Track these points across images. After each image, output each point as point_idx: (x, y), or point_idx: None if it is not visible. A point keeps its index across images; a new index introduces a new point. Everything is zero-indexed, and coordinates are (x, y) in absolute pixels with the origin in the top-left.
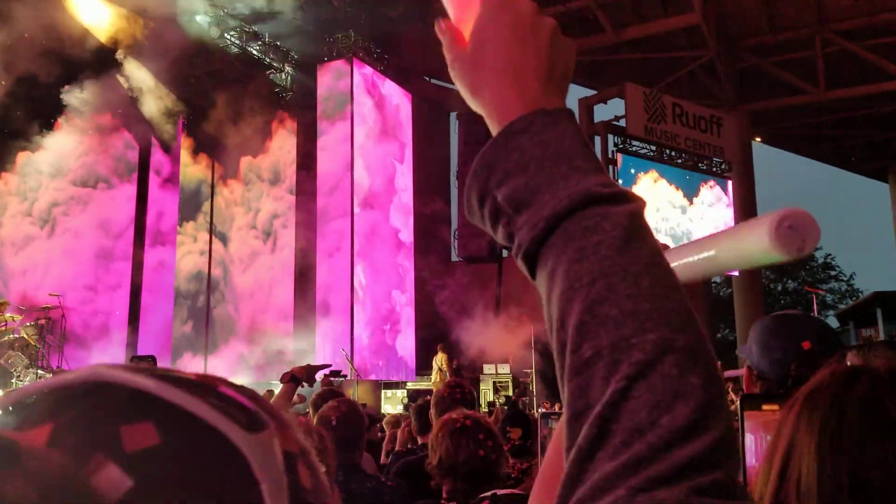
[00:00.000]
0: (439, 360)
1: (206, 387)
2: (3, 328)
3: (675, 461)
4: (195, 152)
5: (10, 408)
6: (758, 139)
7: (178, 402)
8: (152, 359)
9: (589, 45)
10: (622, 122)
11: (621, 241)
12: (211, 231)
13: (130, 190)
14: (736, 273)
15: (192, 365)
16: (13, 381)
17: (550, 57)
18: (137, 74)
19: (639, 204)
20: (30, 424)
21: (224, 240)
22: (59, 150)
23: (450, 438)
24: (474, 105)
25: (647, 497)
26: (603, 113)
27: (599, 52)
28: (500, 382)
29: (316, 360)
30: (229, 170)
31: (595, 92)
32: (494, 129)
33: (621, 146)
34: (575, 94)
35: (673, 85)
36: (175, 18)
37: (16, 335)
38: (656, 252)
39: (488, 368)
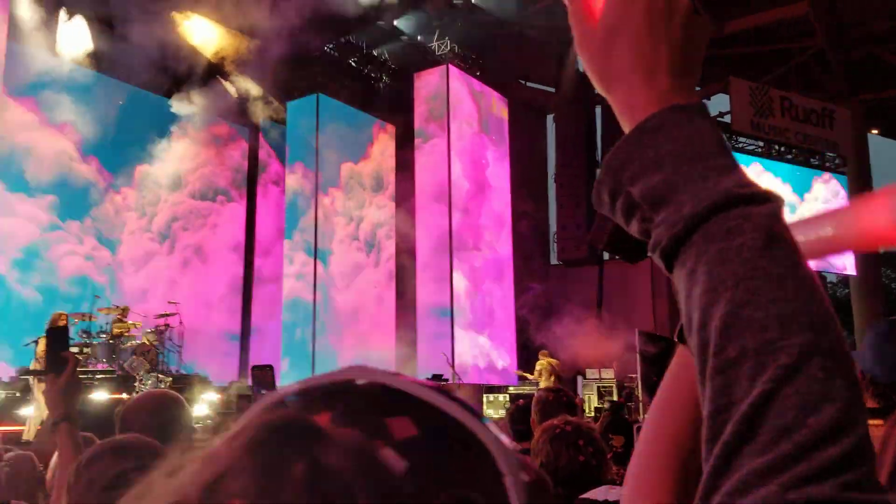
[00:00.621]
0: (543, 364)
1: (444, 390)
2: (127, 334)
3: (823, 460)
4: (291, 161)
5: (288, 399)
6: (874, 131)
7: (428, 399)
8: (270, 368)
9: None
10: (727, 119)
11: (763, 243)
12: (316, 253)
13: (243, 201)
14: (853, 272)
15: None
16: (136, 384)
17: (684, 45)
18: (243, 85)
19: (777, 203)
20: (311, 412)
21: (324, 257)
22: (176, 161)
23: (550, 444)
24: (603, 93)
25: (798, 493)
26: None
27: None
28: (604, 387)
29: (418, 366)
30: (329, 177)
31: (698, 88)
32: (625, 124)
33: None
34: None
35: (780, 78)
36: (278, 31)
37: (138, 340)
38: (797, 252)
39: (591, 373)
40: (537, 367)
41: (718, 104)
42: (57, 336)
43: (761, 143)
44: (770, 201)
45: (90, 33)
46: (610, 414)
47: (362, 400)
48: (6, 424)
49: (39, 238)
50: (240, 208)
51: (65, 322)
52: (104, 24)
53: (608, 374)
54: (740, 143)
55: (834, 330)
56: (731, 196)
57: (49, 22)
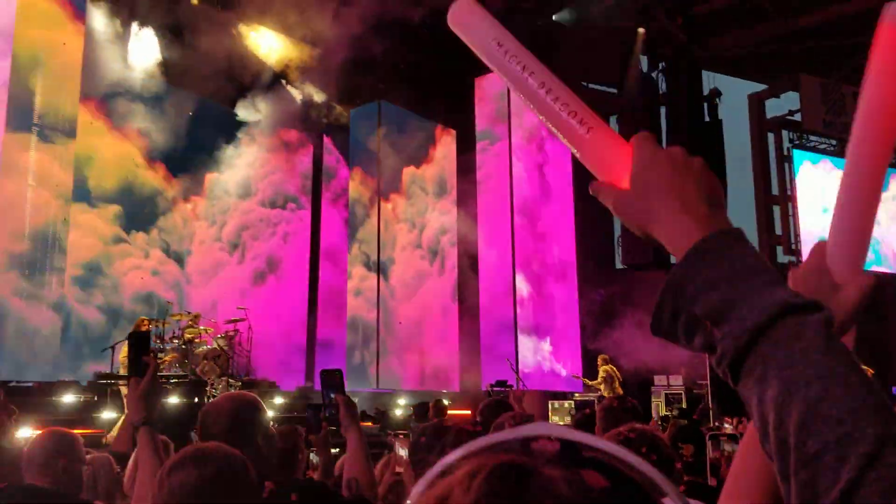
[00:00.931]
0: (604, 371)
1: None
2: (198, 340)
3: None
4: (353, 168)
5: (521, 453)
6: None
7: (618, 455)
8: (339, 372)
9: (757, 37)
10: (797, 117)
11: (824, 346)
12: (379, 266)
13: (310, 208)
14: None
15: None
16: (207, 388)
17: (707, 185)
18: (308, 92)
19: (827, 312)
20: (537, 464)
21: (386, 268)
22: (244, 169)
23: None
24: (646, 236)
25: None
26: (775, 108)
27: (768, 44)
28: (672, 395)
29: (482, 373)
30: (391, 183)
31: (766, 86)
32: (677, 253)
33: (797, 142)
34: (744, 90)
35: (853, 73)
36: (340, 39)
37: (209, 346)
38: (850, 352)
39: (659, 380)
40: (600, 375)
41: (788, 103)
42: (139, 341)
43: (833, 142)
44: (821, 310)
45: (160, 45)
46: (679, 422)
47: (561, 454)
48: (85, 428)
49: (102, 251)
50: (308, 216)
51: (147, 327)
52: (173, 35)
53: (676, 381)
54: (811, 141)
55: (894, 417)
56: (788, 306)
57: (121, 33)
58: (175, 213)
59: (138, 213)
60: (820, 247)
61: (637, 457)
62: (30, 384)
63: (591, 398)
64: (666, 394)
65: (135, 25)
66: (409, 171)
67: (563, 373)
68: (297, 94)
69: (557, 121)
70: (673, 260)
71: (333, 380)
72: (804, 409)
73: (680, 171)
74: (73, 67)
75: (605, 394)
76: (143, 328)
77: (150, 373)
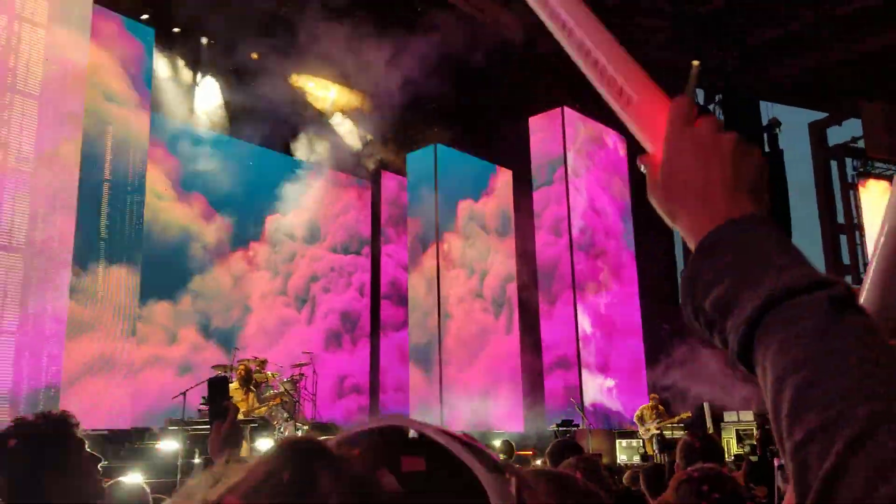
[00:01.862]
0: (649, 408)
1: (469, 441)
2: (265, 384)
3: None
4: (411, 213)
5: (343, 441)
6: None
7: (445, 445)
8: (226, 378)
9: (815, 65)
10: (860, 144)
11: (822, 327)
12: (439, 316)
13: (370, 254)
14: None
15: None
16: (275, 432)
17: (736, 167)
18: (363, 135)
19: (838, 287)
20: (348, 447)
21: (444, 312)
22: (305, 216)
23: (675, 491)
24: (672, 225)
25: None
26: (838, 135)
27: (827, 71)
28: (743, 430)
29: (546, 414)
30: (448, 225)
31: (827, 114)
32: (692, 246)
33: (861, 169)
34: (804, 118)
35: None
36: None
37: (275, 390)
38: (864, 328)
39: (729, 416)
40: (645, 412)
41: (851, 129)
42: (217, 386)
43: None
44: (829, 286)
45: (221, 95)
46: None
47: (390, 442)
48: (156, 476)
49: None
50: (368, 262)
51: (225, 373)
52: (233, 86)
53: (747, 416)
54: (877, 167)
55: None
56: (787, 289)
57: (186, 81)
58: (235, 263)
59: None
60: None
61: (459, 444)
62: (105, 431)
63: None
64: (737, 430)
65: (199, 74)
66: (465, 213)
67: (630, 408)
68: (353, 139)
69: (604, 82)
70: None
71: (222, 388)
72: (792, 395)
73: (704, 153)
74: (141, 135)
75: (652, 430)
76: (222, 373)
77: (230, 417)
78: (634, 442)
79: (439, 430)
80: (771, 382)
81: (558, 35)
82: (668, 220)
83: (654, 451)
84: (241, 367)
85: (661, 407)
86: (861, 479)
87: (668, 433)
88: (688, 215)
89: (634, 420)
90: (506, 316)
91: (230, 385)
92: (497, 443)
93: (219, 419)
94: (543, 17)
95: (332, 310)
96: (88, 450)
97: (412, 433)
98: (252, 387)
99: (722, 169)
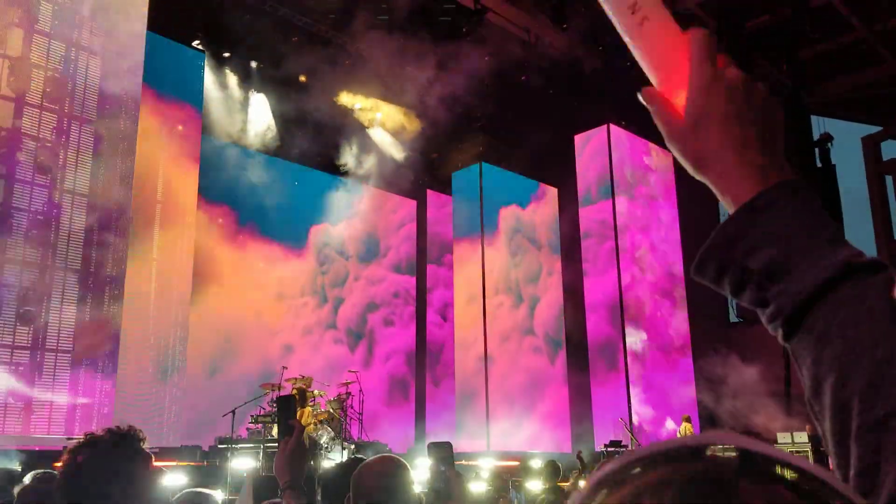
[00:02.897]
0: (682, 430)
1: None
2: (312, 403)
3: None
4: (456, 234)
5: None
6: None
7: (810, 471)
8: (448, 445)
9: (868, 78)
10: None
11: (891, 307)
12: (485, 327)
13: (416, 273)
14: None
15: None
16: (321, 451)
17: (767, 125)
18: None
19: (891, 272)
20: (729, 474)
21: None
22: (353, 239)
23: None
24: (699, 177)
25: None
26: (892, 150)
27: (881, 85)
28: (798, 453)
29: (595, 432)
30: (493, 242)
31: (880, 128)
32: (728, 203)
33: None
34: (856, 132)
35: None
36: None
37: (322, 409)
38: None
39: (783, 437)
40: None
41: None
42: (285, 404)
43: None
44: (886, 269)
45: (271, 115)
46: None
47: (752, 464)
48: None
49: None
50: (413, 281)
51: (293, 392)
52: (282, 106)
53: (801, 437)
54: None
55: None
56: (852, 265)
57: (231, 106)
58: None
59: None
60: None
61: (829, 472)
62: (155, 450)
63: None
64: (791, 452)
65: (249, 96)
66: (510, 227)
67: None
68: (399, 157)
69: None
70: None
71: (442, 452)
72: (872, 370)
73: (740, 104)
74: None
75: None
76: (290, 392)
77: (296, 435)
78: None
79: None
80: (839, 353)
81: None
82: (690, 168)
83: None
84: (295, 388)
85: (689, 429)
86: None
87: None
88: (725, 170)
89: None
90: (558, 355)
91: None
92: (538, 462)
93: (286, 437)
94: None
95: (395, 351)
96: (154, 464)
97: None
98: (305, 404)
99: (756, 123)
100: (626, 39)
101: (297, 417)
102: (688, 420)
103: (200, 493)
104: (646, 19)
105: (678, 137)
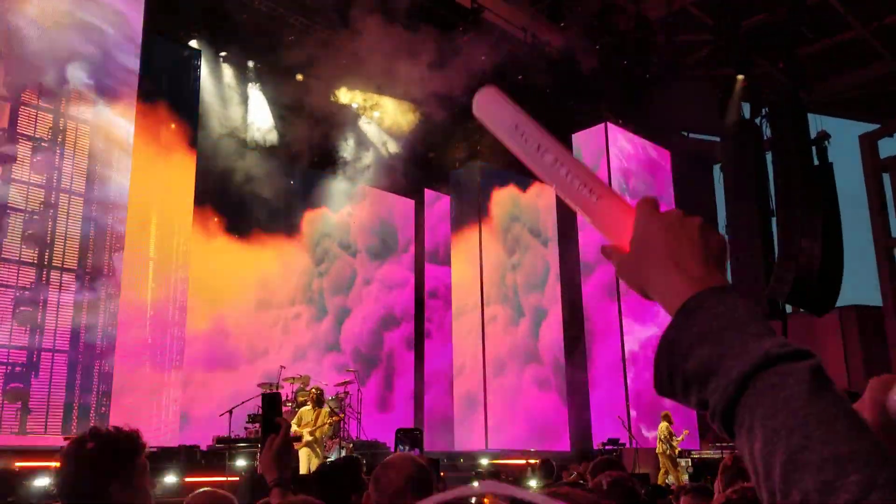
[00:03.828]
0: (661, 429)
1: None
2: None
3: None
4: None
5: None
6: None
7: None
8: (418, 431)
9: (866, 76)
10: None
11: (808, 394)
12: (483, 327)
13: (414, 268)
14: None
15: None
16: (319, 450)
17: (703, 244)
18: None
19: (817, 359)
20: None
21: (489, 328)
22: (350, 232)
23: None
24: (647, 296)
25: None
26: (889, 147)
27: (879, 83)
28: None
29: (593, 430)
30: (491, 239)
31: (878, 126)
32: (670, 313)
33: None
34: (854, 130)
35: None
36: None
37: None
38: (842, 399)
39: None
40: (658, 433)
41: None
42: (270, 402)
43: None
44: (809, 357)
45: (268, 114)
46: None
47: None
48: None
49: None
50: (412, 277)
51: (277, 389)
52: (279, 104)
53: None
54: None
55: (890, 462)
56: (772, 356)
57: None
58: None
59: None
60: (880, 383)
61: None
62: (154, 450)
63: (710, 457)
64: None
65: (245, 95)
66: (509, 229)
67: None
68: (398, 155)
69: (570, 191)
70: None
71: (410, 438)
72: (785, 458)
73: (674, 232)
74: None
75: (659, 450)
76: (275, 390)
77: (282, 433)
78: (683, 462)
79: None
80: (761, 443)
81: (529, 153)
82: (637, 289)
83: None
84: (314, 389)
85: (666, 428)
86: None
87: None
88: (665, 282)
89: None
90: (545, 332)
91: (305, 408)
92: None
93: (271, 434)
94: (520, 142)
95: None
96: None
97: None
98: (318, 406)
99: (692, 242)
100: (583, 215)
101: (314, 418)
102: (666, 418)
103: (216, 492)
104: (600, 197)
105: (625, 267)
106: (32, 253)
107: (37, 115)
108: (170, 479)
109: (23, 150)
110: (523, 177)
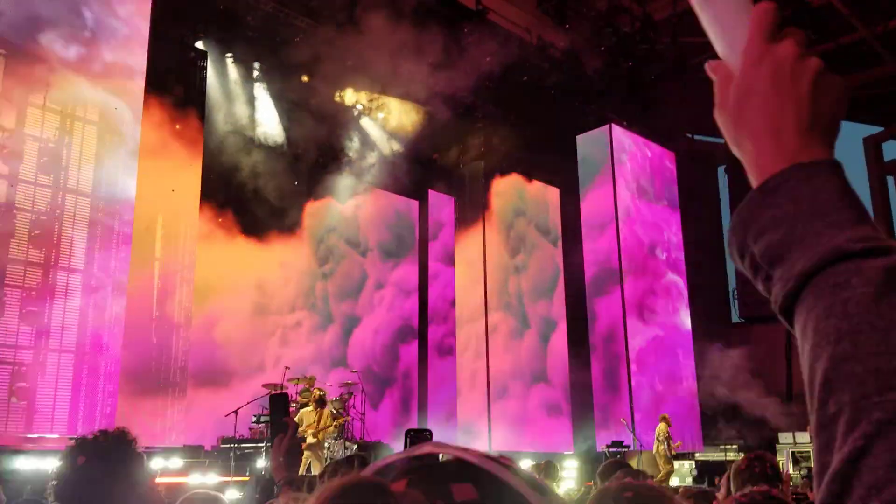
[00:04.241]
0: (660, 430)
1: (507, 463)
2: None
3: None
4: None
5: (381, 469)
6: None
7: (492, 471)
8: (429, 432)
9: (869, 79)
10: None
11: (872, 297)
12: (488, 336)
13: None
14: None
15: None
16: (325, 451)
17: (814, 103)
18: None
19: (895, 258)
20: (390, 479)
21: (493, 328)
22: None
23: None
24: (736, 154)
25: None
26: (894, 150)
27: (883, 86)
28: (799, 453)
29: (597, 434)
30: (496, 237)
31: (882, 128)
32: (754, 184)
33: None
34: (859, 133)
35: None
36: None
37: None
38: None
39: (784, 437)
40: (655, 435)
41: None
42: (278, 402)
43: None
44: (888, 255)
45: (275, 115)
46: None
47: (435, 470)
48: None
49: None
50: (415, 274)
51: (285, 389)
52: (285, 106)
53: (803, 437)
54: None
55: None
56: (842, 251)
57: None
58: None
59: None
60: None
61: (513, 473)
62: (159, 449)
63: (713, 459)
64: (792, 452)
65: (252, 96)
66: (514, 228)
67: (684, 421)
68: (403, 153)
69: None
70: None
71: (420, 440)
72: (828, 366)
73: (782, 86)
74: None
75: (656, 451)
76: (283, 390)
77: (290, 432)
78: (686, 464)
79: (480, 455)
80: (810, 347)
81: None
82: (729, 142)
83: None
84: (317, 391)
85: (663, 430)
86: (884, 463)
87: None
88: (755, 148)
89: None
90: (541, 328)
91: (306, 409)
92: (526, 463)
93: (280, 434)
94: None
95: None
96: (147, 464)
97: (443, 457)
98: (320, 407)
99: (799, 104)
100: (695, 4)
101: (317, 420)
102: (664, 420)
103: (208, 493)
104: None
105: (723, 112)
106: (39, 253)
107: (44, 116)
108: (175, 479)
109: (30, 150)
110: (529, 182)
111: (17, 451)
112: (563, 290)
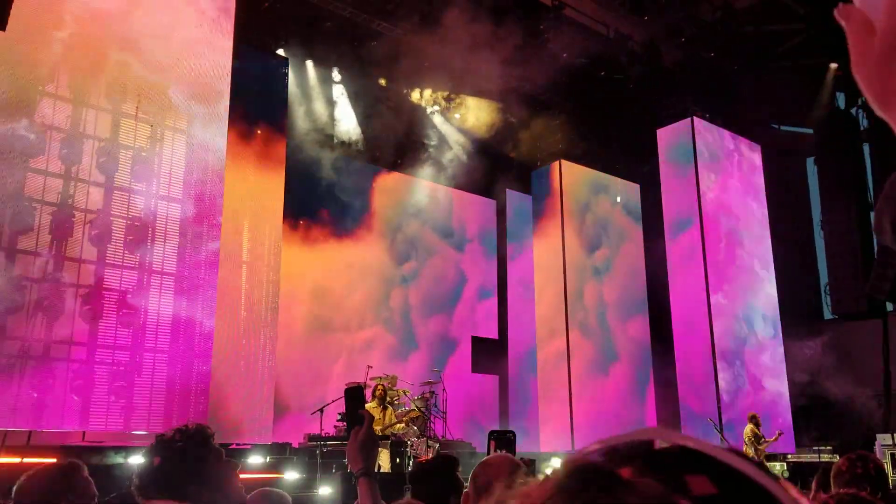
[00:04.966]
0: (746, 433)
1: (741, 453)
2: (398, 401)
3: None
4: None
5: (603, 454)
6: None
7: (727, 461)
8: (513, 433)
9: None
10: None
11: None
12: (568, 338)
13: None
14: None
15: None
16: (407, 449)
17: None
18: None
19: None
20: (616, 465)
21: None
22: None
23: None
24: (882, 115)
25: None
26: None
27: None
28: None
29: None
30: (574, 240)
31: None
32: None
33: None
34: None
35: None
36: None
37: (407, 408)
38: None
39: (884, 439)
40: (744, 436)
41: None
42: (354, 395)
43: None
44: None
45: (355, 121)
46: None
47: (662, 457)
48: (297, 488)
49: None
50: (494, 276)
51: (360, 382)
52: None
53: None
54: None
55: None
56: None
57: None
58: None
59: None
60: None
61: (754, 467)
62: (249, 446)
63: (806, 460)
64: (892, 454)
65: (332, 102)
66: (593, 224)
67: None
68: (479, 155)
69: None
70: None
71: (505, 442)
72: None
73: None
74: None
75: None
76: (358, 382)
77: (366, 424)
78: (778, 465)
79: (714, 446)
80: None
81: None
82: (872, 101)
83: None
84: (379, 386)
85: (753, 430)
86: None
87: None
88: None
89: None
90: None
91: (370, 404)
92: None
93: (356, 427)
94: None
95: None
96: (226, 458)
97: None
98: (387, 404)
99: None
100: None
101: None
102: (752, 420)
103: (272, 491)
104: None
105: (864, 66)
106: (134, 257)
107: (136, 126)
108: (263, 475)
109: (124, 159)
110: (606, 179)
111: (115, 449)
112: (644, 286)
